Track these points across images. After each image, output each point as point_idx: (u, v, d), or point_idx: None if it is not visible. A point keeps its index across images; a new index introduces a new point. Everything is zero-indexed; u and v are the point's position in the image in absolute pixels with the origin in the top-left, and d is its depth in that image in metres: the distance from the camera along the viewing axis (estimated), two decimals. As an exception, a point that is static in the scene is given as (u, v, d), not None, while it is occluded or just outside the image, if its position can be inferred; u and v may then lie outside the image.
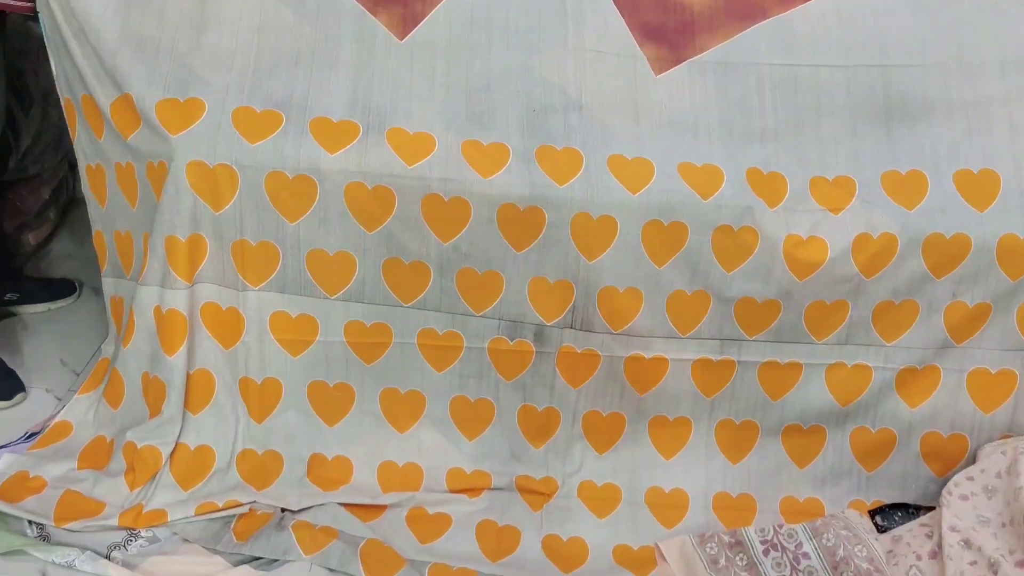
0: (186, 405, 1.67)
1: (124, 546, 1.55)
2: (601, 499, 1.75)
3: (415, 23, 1.69)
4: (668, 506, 1.76)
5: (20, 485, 1.61)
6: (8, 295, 2.13)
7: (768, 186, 1.66)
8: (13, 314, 2.14)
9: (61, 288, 2.22)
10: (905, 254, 1.66)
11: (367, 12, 1.69)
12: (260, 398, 1.70)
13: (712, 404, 1.76)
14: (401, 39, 1.69)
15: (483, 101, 1.66)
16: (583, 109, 1.66)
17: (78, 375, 1.95)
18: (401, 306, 1.67)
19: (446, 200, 1.59)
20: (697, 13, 1.73)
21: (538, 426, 1.76)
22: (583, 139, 1.64)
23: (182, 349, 1.64)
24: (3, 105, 1.76)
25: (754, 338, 1.71)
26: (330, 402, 1.73)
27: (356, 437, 1.74)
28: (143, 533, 1.57)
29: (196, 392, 1.67)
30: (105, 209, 1.74)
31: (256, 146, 1.58)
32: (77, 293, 2.23)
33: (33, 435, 1.74)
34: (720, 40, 1.72)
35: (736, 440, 1.79)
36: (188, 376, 1.66)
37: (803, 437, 1.78)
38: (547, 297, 1.65)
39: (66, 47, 1.64)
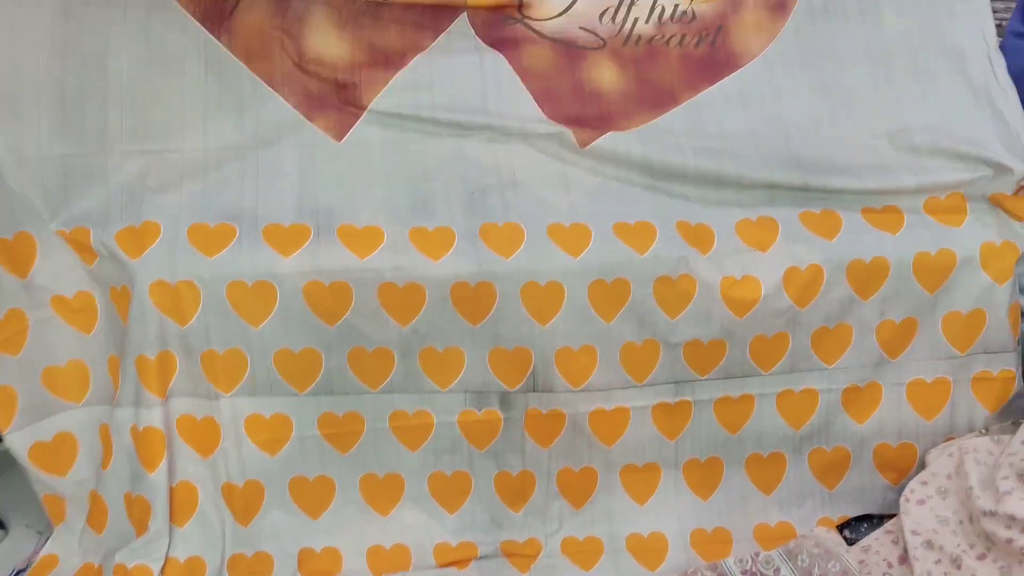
0: (171, 519, 1.69)
1: (125, 668, 1.56)
2: (585, 552, 1.81)
3: (349, 126, 1.80)
4: (649, 550, 1.83)
5: (12, 622, 1.62)
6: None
7: (697, 235, 1.78)
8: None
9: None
10: (832, 282, 1.78)
11: (305, 119, 1.80)
12: (244, 501, 1.74)
13: (676, 446, 1.84)
14: (339, 141, 1.80)
15: (423, 190, 1.77)
16: (517, 186, 1.78)
17: (56, 507, 1.96)
18: (370, 392, 1.74)
19: (400, 287, 1.68)
20: (612, 103, 1.86)
21: (515, 491, 1.82)
22: (521, 213, 1.75)
23: (162, 464, 1.67)
24: None
25: (706, 377, 1.81)
26: (312, 496, 1.77)
27: (342, 526, 1.78)
28: (143, 652, 1.59)
29: (180, 505, 1.70)
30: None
31: (214, 259, 1.66)
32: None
33: (20, 572, 1.74)
34: (637, 125, 1.85)
35: (704, 477, 1.87)
36: (171, 490, 1.69)
37: (765, 465, 1.87)
38: (507, 365, 1.74)
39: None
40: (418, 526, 1.80)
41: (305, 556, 1.75)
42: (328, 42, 1.83)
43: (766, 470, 1.88)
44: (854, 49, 1.93)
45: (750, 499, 1.88)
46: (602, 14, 1.89)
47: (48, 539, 1.80)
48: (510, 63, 1.87)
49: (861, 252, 1.80)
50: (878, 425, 1.87)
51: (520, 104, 1.85)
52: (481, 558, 1.79)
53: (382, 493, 1.80)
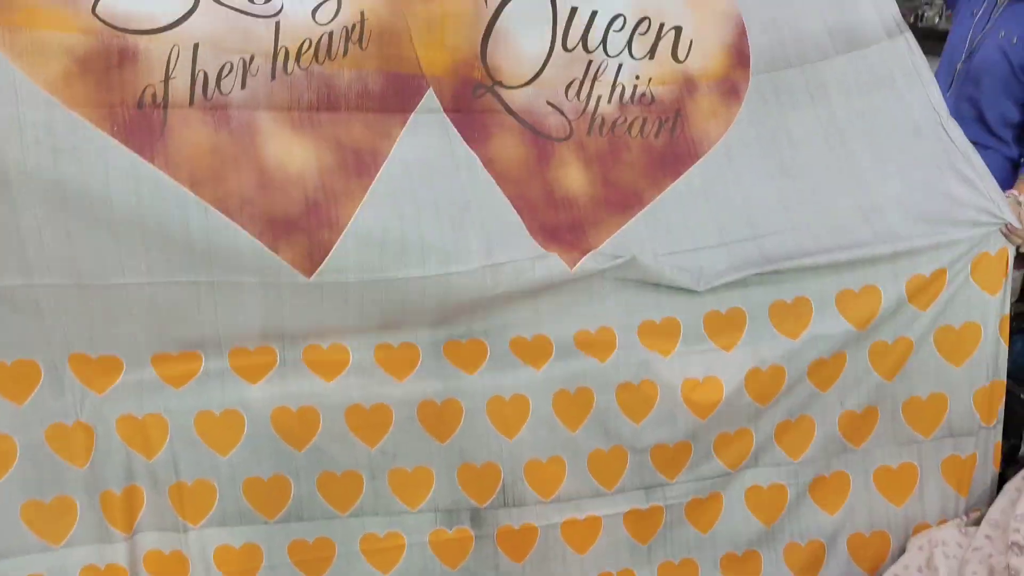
0: (136, 663, 1.65)
1: None
2: (566, 667, 1.79)
3: (323, 254, 1.58)
4: None
5: None
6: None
7: (662, 335, 1.79)
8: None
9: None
10: (793, 381, 1.81)
11: (267, 249, 1.56)
12: (213, 638, 1.71)
13: (649, 551, 1.84)
14: (309, 276, 1.58)
15: (395, 311, 1.71)
16: (487, 303, 1.75)
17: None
18: (340, 517, 1.73)
19: (367, 408, 1.69)
20: (583, 209, 1.78)
21: None
22: (485, 328, 1.76)
23: None
24: None
25: (675, 480, 1.82)
26: (283, 626, 1.74)
27: None
28: None
29: (147, 647, 1.66)
30: None
31: (182, 391, 1.65)
32: None
33: None
34: (607, 235, 1.77)
35: None
36: None
37: (740, 564, 1.87)
38: (477, 481, 1.74)
39: None
40: (392, 650, 1.78)
41: None
42: (289, 150, 1.59)
43: (742, 568, 1.88)
44: (809, 131, 1.90)
45: None
46: (568, 86, 1.81)
47: None
48: (483, 163, 1.75)
49: (824, 351, 1.82)
50: (848, 515, 1.89)
51: (504, 218, 1.74)
52: None
53: (354, 618, 1.77)
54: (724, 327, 1.82)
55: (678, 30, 1.85)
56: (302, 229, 1.58)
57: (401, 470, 1.72)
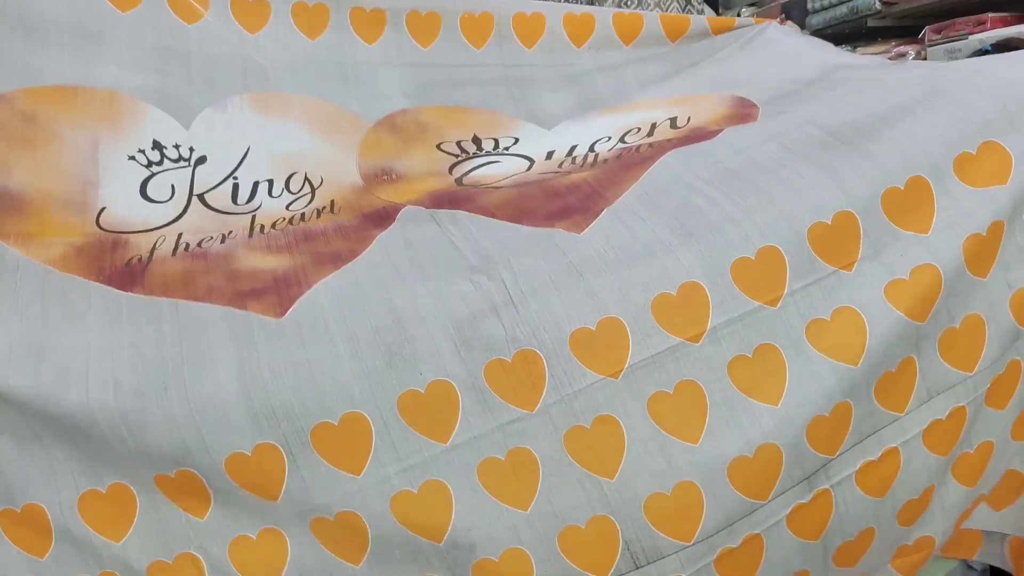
0: None
1: None
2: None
3: (294, 299, 1.40)
4: None
5: None
6: None
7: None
8: None
9: None
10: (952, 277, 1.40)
11: (235, 310, 1.38)
12: None
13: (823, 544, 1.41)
14: (280, 318, 1.36)
15: (399, 341, 1.32)
16: (515, 303, 1.35)
17: None
18: None
19: (415, 492, 1.27)
20: (596, 180, 1.57)
21: None
22: (531, 332, 1.33)
23: None
24: None
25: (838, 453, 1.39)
26: None
27: None
28: None
29: None
30: None
31: (206, 520, 1.28)
32: None
33: None
34: (634, 180, 1.54)
35: None
36: None
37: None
38: (588, 550, 1.30)
39: None
40: None
41: None
42: (264, 259, 1.54)
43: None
44: (857, 87, 1.72)
45: None
46: (561, 164, 1.77)
47: None
48: (470, 212, 1.58)
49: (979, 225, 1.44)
50: None
51: (496, 229, 1.51)
52: None
53: None
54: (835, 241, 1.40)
55: (673, 119, 1.84)
56: (271, 291, 1.43)
57: (487, 561, 1.28)
